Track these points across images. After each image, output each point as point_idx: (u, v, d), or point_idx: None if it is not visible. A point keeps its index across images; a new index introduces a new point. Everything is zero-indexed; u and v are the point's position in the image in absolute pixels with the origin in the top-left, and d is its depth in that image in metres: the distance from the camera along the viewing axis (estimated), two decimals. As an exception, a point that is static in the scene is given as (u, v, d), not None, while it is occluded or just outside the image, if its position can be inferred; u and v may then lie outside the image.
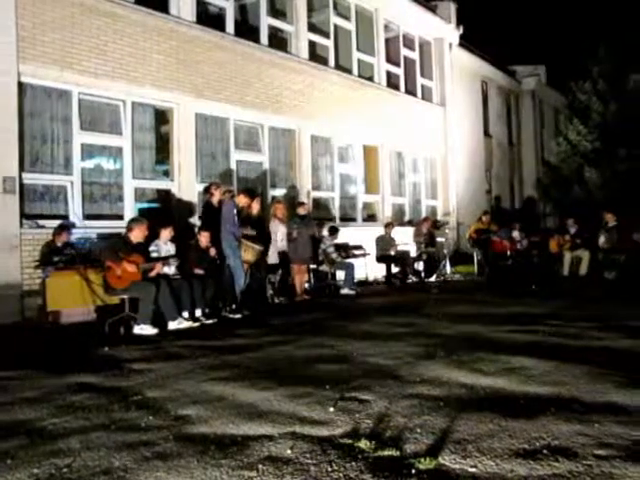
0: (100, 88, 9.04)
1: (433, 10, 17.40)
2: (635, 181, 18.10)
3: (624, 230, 12.75)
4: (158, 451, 3.05)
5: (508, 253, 13.65)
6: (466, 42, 18.85)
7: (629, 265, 11.96)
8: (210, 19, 11.03)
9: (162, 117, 10.26)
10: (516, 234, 14.29)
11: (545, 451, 2.89)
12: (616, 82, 19.29)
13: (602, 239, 12.68)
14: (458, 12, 18.04)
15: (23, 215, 8.12)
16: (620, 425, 3.21)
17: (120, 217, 9.14)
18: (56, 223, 8.14)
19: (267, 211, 10.47)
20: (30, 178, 8.33)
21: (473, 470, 2.72)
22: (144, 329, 6.86)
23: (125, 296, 7.12)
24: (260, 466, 2.82)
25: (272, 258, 9.55)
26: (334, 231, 11.44)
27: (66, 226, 8.16)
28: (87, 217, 8.84)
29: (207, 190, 9.02)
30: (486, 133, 20.79)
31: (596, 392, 3.84)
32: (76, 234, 8.34)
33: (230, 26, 11.10)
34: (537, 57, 24.52)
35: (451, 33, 17.80)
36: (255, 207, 9.28)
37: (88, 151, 9.04)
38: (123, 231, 7.58)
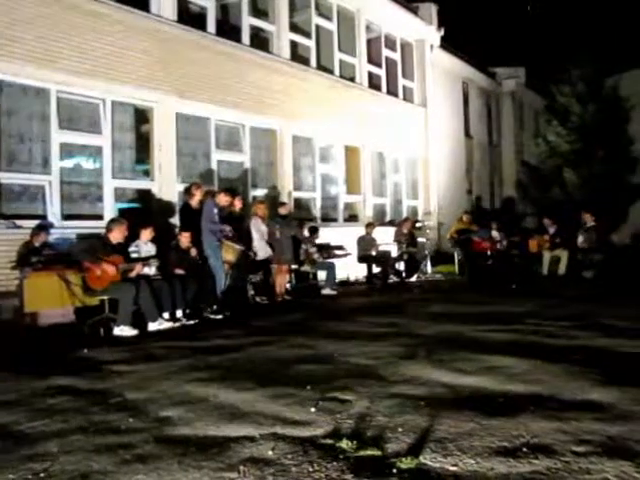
0: (79, 87, 8.94)
1: (414, 11, 17.48)
2: (612, 182, 18.39)
3: (602, 230, 12.94)
4: (138, 453, 3.02)
5: (488, 253, 13.76)
6: (447, 44, 18.96)
7: (606, 265, 12.13)
8: (191, 18, 10.97)
9: (142, 116, 10.18)
10: (496, 234, 14.41)
11: (525, 449, 2.92)
12: (594, 85, 19.55)
13: (581, 239, 12.84)
14: (439, 14, 18.13)
15: (0, 215, 8.00)
16: (597, 422, 3.25)
17: (100, 217, 9.04)
18: (34, 223, 8.03)
19: (248, 211, 10.44)
20: (7, 177, 8.22)
21: (454, 469, 2.73)
22: (124, 330, 6.80)
23: (105, 297, 7.04)
24: (241, 467, 2.81)
25: (262, 253, 9.54)
26: (314, 231, 11.46)
27: (44, 226, 8.06)
28: (66, 217, 8.74)
29: (188, 190, 8.95)
30: (467, 134, 20.94)
31: (574, 390, 3.89)
32: (54, 234, 8.24)
33: (211, 25, 11.05)
34: (517, 59, 24.69)
35: (432, 34, 17.90)
36: (237, 205, 9.28)
37: (67, 150, 8.94)
38: (103, 231, 7.51)
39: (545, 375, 4.29)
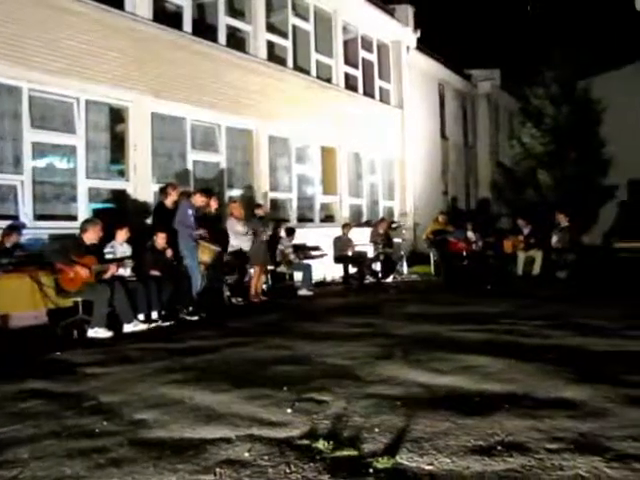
0: (53, 85, 8.79)
1: (391, 13, 17.56)
2: (584, 183, 18.69)
3: (575, 231, 13.14)
4: (112, 457, 2.99)
5: (464, 253, 13.88)
6: (423, 45, 19.08)
7: (579, 265, 12.33)
8: (167, 17, 10.86)
9: (117, 116, 10.05)
10: (471, 235, 14.55)
11: (499, 447, 2.95)
12: (567, 87, 19.86)
13: (554, 239, 13.01)
14: (415, 15, 18.23)
15: (-30, 215, 7.86)
16: (570, 419, 3.31)
17: (74, 218, 8.90)
18: (5, 224, 7.88)
19: (224, 211, 10.40)
20: (-23, 177, 8.06)
21: (430, 468, 2.75)
22: (98, 332, 6.71)
23: (78, 299, 6.95)
24: (218, 469, 2.79)
25: (245, 246, 9.56)
26: (291, 232, 11.46)
27: (16, 227, 7.90)
28: (38, 218, 8.58)
29: (164, 191, 8.88)
30: (443, 135, 21.10)
31: (548, 388, 3.95)
32: (27, 235, 8.09)
33: (188, 25, 10.96)
34: (492, 61, 24.97)
35: (409, 36, 18.00)
36: (213, 205, 9.25)
37: (39, 150, 8.78)
38: (77, 232, 7.40)
39: (519, 374, 4.35)
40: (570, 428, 3.17)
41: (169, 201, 8.63)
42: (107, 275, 7.11)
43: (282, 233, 11.32)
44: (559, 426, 3.21)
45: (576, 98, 19.81)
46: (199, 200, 8.77)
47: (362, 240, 13.45)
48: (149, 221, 9.61)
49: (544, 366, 4.52)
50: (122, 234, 7.88)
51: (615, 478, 2.57)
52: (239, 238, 9.74)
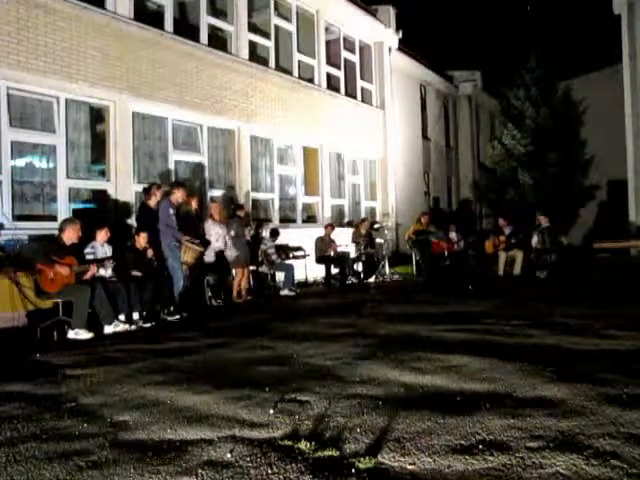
0: (32, 83, 8.69)
1: (373, 14, 17.62)
2: (564, 184, 18.92)
3: (556, 231, 13.28)
4: (93, 460, 2.96)
5: (446, 254, 13.97)
6: (405, 47, 19.18)
7: (559, 265, 12.47)
8: (148, 16, 10.79)
9: (98, 115, 9.96)
10: (453, 235, 14.65)
11: (481, 446, 2.97)
12: (547, 89, 20.08)
13: (535, 239, 13.14)
14: (397, 17, 18.33)
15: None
16: (549, 417, 3.34)
17: (54, 218, 8.80)
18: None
19: (206, 211, 10.36)
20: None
21: (412, 467, 2.76)
22: (79, 333, 6.65)
23: (58, 300, 6.87)
24: (199, 471, 2.78)
25: (209, 257, 9.45)
26: (275, 233, 11.45)
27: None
28: (17, 218, 8.47)
29: (148, 191, 8.81)
30: (424, 136, 21.21)
31: (527, 387, 3.98)
32: (5, 235, 7.99)
33: (169, 24, 10.90)
34: (473, 63, 25.18)
35: (391, 37, 18.07)
36: (193, 204, 9.22)
37: (19, 149, 8.68)
38: (56, 232, 7.32)
39: (500, 373, 4.38)
40: (550, 426, 3.20)
41: (153, 201, 8.57)
42: (87, 276, 7.05)
43: (264, 233, 11.30)
44: (539, 425, 3.24)
45: (556, 99, 20.05)
46: (178, 196, 8.68)
47: (344, 240, 13.47)
48: (130, 221, 9.55)
49: (524, 365, 4.56)
50: (102, 234, 7.80)
51: (594, 475, 2.60)
52: (219, 240, 9.70)
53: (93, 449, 3.10)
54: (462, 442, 3.04)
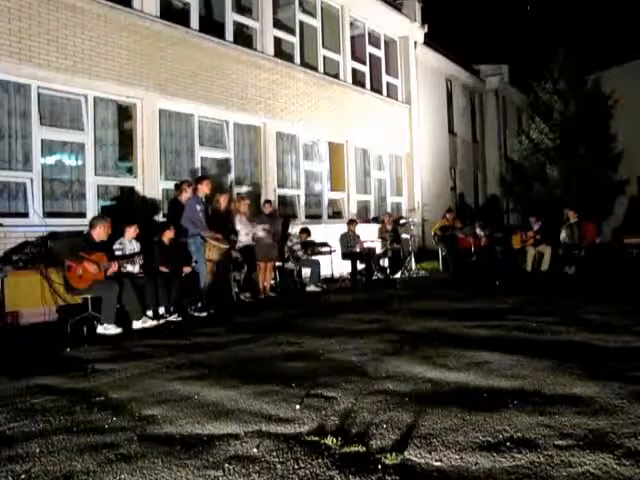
0: (60, 82, 8.83)
1: (398, 8, 17.50)
2: (594, 179, 18.56)
3: (584, 226, 13.07)
4: (122, 453, 3.00)
5: (472, 249, 13.84)
6: (431, 41, 19.01)
7: (587, 261, 12.27)
8: (174, 14, 10.87)
9: (125, 113, 10.07)
10: (480, 231, 14.50)
11: (508, 443, 2.94)
12: (576, 82, 19.71)
13: (563, 234, 12.96)
14: (423, 11, 18.18)
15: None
16: (578, 416, 3.29)
17: (82, 215, 8.95)
18: (15, 221, 7.92)
19: (233, 207, 10.42)
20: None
21: (438, 464, 2.75)
22: (107, 329, 6.75)
23: (88, 295, 6.98)
24: (226, 465, 2.80)
25: (236, 253, 9.54)
26: (305, 231, 11.58)
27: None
28: (48, 215, 8.63)
29: (179, 187, 8.96)
30: (450, 131, 21.02)
31: (556, 384, 3.93)
32: (36, 232, 8.14)
33: (195, 21, 10.97)
34: (500, 57, 24.82)
35: (416, 31, 17.93)
36: (223, 203, 9.29)
37: (48, 147, 8.83)
38: (86, 229, 7.43)
39: (528, 370, 4.33)
40: (579, 425, 3.16)
41: (184, 197, 8.73)
42: (109, 272, 7.10)
43: (290, 229, 11.35)
44: (568, 423, 3.19)
45: (585, 92, 19.66)
46: (206, 189, 8.79)
47: (370, 236, 13.43)
48: (158, 218, 9.66)
49: (553, 362, 4.50)
50: (131, 231, 7.90)
51: (625, 475, 2.56)
52: (248, 234, 9.76)
53: (122, 442, 3.15)
54: (489, 439, 3.01)
